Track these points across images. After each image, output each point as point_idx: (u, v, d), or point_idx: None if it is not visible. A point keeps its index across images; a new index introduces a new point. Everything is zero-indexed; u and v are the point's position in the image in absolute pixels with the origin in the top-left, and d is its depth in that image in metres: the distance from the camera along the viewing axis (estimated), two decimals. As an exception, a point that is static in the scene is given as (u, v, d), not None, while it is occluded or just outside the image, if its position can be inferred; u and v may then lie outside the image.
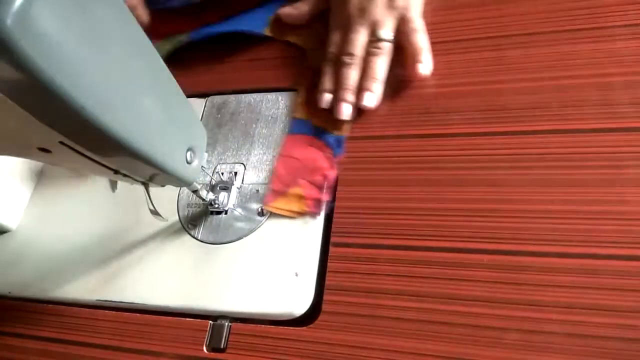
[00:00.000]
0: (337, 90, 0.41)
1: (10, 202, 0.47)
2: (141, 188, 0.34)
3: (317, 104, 0.42)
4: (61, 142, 0.25)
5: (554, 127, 0.37)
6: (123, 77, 0.25)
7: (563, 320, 0.31)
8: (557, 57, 0.39)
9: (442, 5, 0.45)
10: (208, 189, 0.40)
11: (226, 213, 0.41)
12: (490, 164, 0.37)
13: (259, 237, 0.40)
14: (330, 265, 0.37)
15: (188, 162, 0.32)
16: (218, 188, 0.41)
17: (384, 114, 0.42)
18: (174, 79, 0.30)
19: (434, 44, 0.43)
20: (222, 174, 0.43)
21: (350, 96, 0.41)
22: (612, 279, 0.32)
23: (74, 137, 0.24)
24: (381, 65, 0.40)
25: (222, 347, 0.36)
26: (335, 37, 0.43)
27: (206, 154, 0.41)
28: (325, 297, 0.36)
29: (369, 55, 0.41)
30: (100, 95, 0.23)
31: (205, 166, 0.37)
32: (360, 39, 0.41)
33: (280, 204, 0.40)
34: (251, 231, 0.40)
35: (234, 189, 0.42)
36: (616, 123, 0.36)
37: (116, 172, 0.30)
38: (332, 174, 0.39)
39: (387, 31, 0.40)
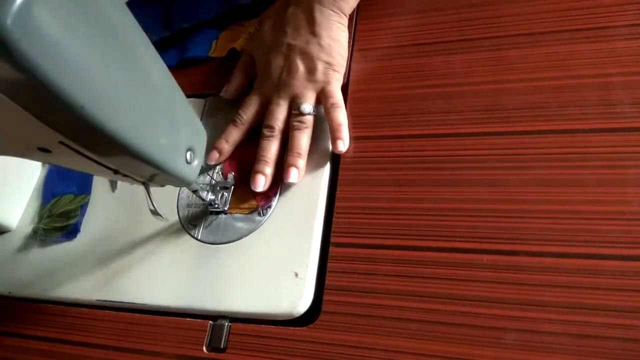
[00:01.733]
0: (256, 162, 0.41)
1: (10, 202, 0.47)
2: (141, 188, 0.34)
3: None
4: (61, 142, 0.25)
5: (554, 127, 0.37)
6: (123, 77, 0.25)
7: (563, 320, 0.31)
8: (557, 57, 0.39)
9: (442, 6, 0.45)
10: (208, 189, 0.40)
11: (226, 213, 0.41)
12: (490, 164, 0.37)
13: (259, 237, 0.40)
14: (330, 265, 0.37)
15: (188, 162, 0.32)
16: (218, 188, 0.41)
17: (384, 115, 0.42)
18: (174, 79, 0.30)
19: (434, 43, 0.43)
20: (222, 174, 0.43)
21: (267, 169, 0.40)
22: (612, 279, 0.32)
23: (74, 137, 0.24)
24: (305, 140, 0.40)
25: (222, 347, 0.36)
26: (250, 103, 0.43)
27: (219, 165, 0.42)
28: (325, 297, 0.36)
29: (292, 129, 0.41)
30: (100, 95, 0.23)
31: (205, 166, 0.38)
32: (280, 111, 0.41)
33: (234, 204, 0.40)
34: (251, 231, 0.40)
35: (234, 189, 0.42)
36: (616, 123, 0.36)
37: (116, 172, 0.30)
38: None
39: (308, 105, 0.41)
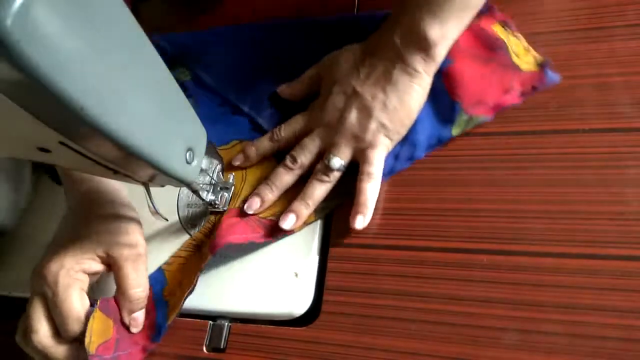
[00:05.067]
0: (263, 184, 0.40)
1: (9, 202, 0.47)
2: (141, 188, 0.34)
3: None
4: (61, 142, 0.25)
5: (553, 127, 0.37)
6: (123, 77, 0.25)
7: (563, 320, 0.31)
8: (556, 57, 0.39)
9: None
10: (208, 189, 0.40)
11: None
12: (490, 164, 0.37)
13: (259, 237, 0.40)
14: (330, 265, 0.37)
15: (188, 162, 0.32)
16: (218, 188, 0.41)
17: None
18: (174, 79, 0.30)
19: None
20: (221, 174, 0.43)
21: (269, 195, 0.39)
22: (612, 279, 0.32)
23: (74, 137, 0.24)
24: (321, 193, 0.38)
25: (222, 347, 0.36)
26: (297, 122, 0.41)
27: (219, 165, 0.41)
28: (325, 297, 0.36)
29: (314, 176, 0.39)
30: (99, 96, 0.23)
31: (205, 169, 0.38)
32: (312, 150, 0.39)
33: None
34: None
35: (233, 190, 0.42)
36: (616, 123, 0.36)
37: (116, 172, 0.30)
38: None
39: (339, 161, 0.38)
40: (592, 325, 0.31)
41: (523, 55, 0.39)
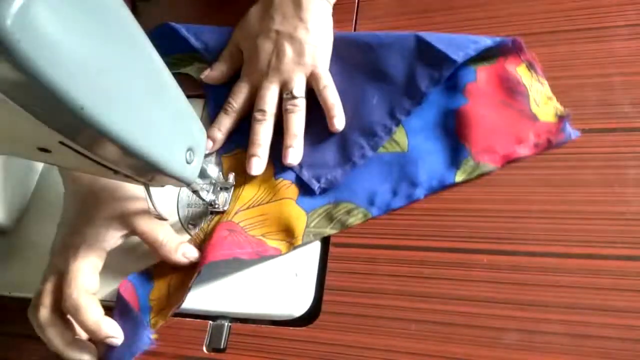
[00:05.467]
0: (249, 146, 0.41)
1: (9, 202, 0.47)
2: (141, 188, 0.34)
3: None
4: (61, 142, 0.25)
5: (554, 127, 0.37)
6: (123, 77, 0.25)
7: (563, 320, 0.31)
8: (557, 57, 0.39)
9: (442, 6, 0.45)
10: (208, 189, 0.40)
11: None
12: (490, 164, 0.37)
13: (259, 237, 0.40)
14: (330, 265, 0.37)
15: (188, 162, 0.32)
16: (218, 188, 0.41)
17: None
18: (174, 79, 0.30)
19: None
20: (222, 174, 0.43)
21: (261, 151, 0.41)
22: (613, 279, 0.32)
23: (74, 137, 0.24)
24: (300, 122, 0.41)
25: (222, 347, 0.36)
26: (239, 89, 0.44)
27: (217, 169, 0.41)
28: (325, 297, 0.36)
29: (286, 113, 0.41)
30: (99, 96, 0.23)
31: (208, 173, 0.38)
32: (271, 95, 0.42)
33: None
34: (251, 231, 0.40)
35: (233, 190, 0.42)
36: (616, 123, 0.36)
37: (116, 172, 0.30)
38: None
39: (299, 88, 0.41)
40: (592, 325, 0.31)
41: (543, 104, 0.37)
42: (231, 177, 0.42)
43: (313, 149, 0.42)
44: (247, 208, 0.41)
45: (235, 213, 0.40)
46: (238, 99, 0.44)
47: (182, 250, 0.38)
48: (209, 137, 0.43)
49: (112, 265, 0.42)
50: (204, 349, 0.37)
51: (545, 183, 0.35)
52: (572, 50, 0.39)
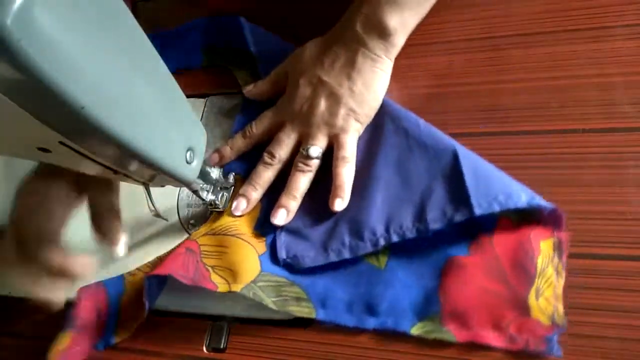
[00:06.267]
0: (246, 184, 0.40)
1: (9, 202, 0.47)
2: (141, 188, 0.34)
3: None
4: (61, 142, 0.25)
5: (554, 127, 0.37)
6: (123, 77, 0.25)
7: (564, 311, 0.31)
8: (556, 57, 0.39)
9: (442, 6, 0.45)
10: (208, 189, 0.40)
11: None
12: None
13: (259, 237, 0.40)
14: (330, 265, 0.37)
15: (188, 162, 0.32)
16: (218, 188, 0.41)
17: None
18: (174, 79, 0.30)
19: (434, 44, 0.43)
20: (221, 173, 0.43)
21: (253, 194, 0.40)
22: (612, 279, 0.32)
23: (74, 137, 0.24)
24: (304, 184, 0.39)
25: (222, 347, 0.36)
26: (266, 120, 0.42)
27: (217, 169, 0.41)
28: (325, 297, 0.36)
29: (294, 168, 0.39)
30: (100, 95, 0.23)
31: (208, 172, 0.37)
32: (288, 143, 0.40)
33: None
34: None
35: (233, 189, 0.42)
36: (616, 123, 0.36)
37: (116, 172, 0.30)
38: None
39: (316, 149, 0.39)
40: (592, 325, 0.31)
41: (544, 300, 0.31)
42: (231, 177, 0.42)
43: (303, 214, 0.39)
44: (214, 234, 0.39)
45: (204, 235, 0.39)
46: (259, 127, 0.42)
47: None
48: (218, 151, 0.43)
49: (113, 265, 0.42)
50: (204, 349, 0.37)
51: (545, 183, 0.35)
52: (572, 50, 0.39)
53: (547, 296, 0.31)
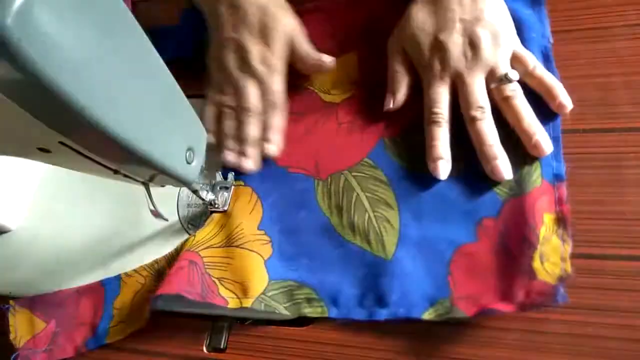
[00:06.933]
0: (482, 149, 0.36)
1: (10, 202, 0.47)
2: (141, 188, 0.34)
3: None
4: (61, 142, 0.25)
5: (554, 127, 0.37)
6: (123, 77, 0.25)
7: (563, 320, 0.31)
8: (557, 57, 0.39)
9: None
10: (208, 189, 0.40)
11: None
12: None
13: (259, 237, 0.40)
14: (330, 265, 0.37)
15: (188, 162, 0.32)
16: (218, 188, 0.41)
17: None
18: (174, 79, 0.30)
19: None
20: (222, 173, 0.43)
21: (499, 151, 0.36)
22: (613, 279, 0.32)
23: (74, 137, 0.24)
24: (529, 107, 0.37)
25: (222, 347, 0.36)
26: (438, 95, 0.38)
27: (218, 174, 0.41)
28: (325, 297, 0.36)
29: (507, 100, 0.37)
30: (100, 96, 0.23)
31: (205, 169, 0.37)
32: (480, 88, 0.37)
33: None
34: (251, 231, 0.40)
35: (235, 179, 0.42)
36: (616, 123, 0.36)
37: (116, 172, 0.30)
38: None
39: (513, 72, 0.37)
40: (592, 325, 0.31)
41: (551, 263, 0.32)
42: (231, 177, 0.42)
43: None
44: (217, 247, 0.39)
45: (206, 248, 0.39)
46: (444, 105, 0.38)
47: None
48: (435, 159, 0.37)
49: (113, 265, 0.42)
50: (204, 349, 0.37)
51: (545, 183, 0.35)
52: (572, 50, 0.39)
53: (553, 261, 0.32)
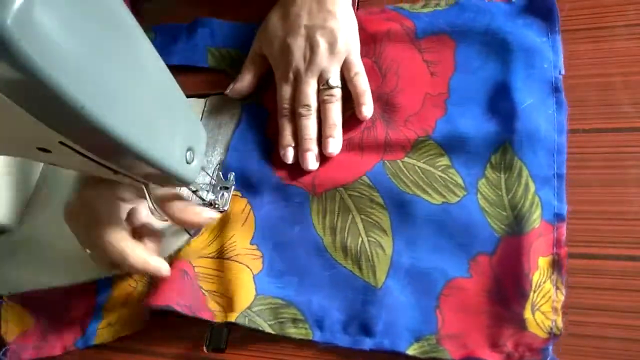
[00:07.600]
0: (300, 142, 0.41)
1: (10, 202, 0.47)
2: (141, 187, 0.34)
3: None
4: (61, 142, 0.25)
5: (554, 127, 0.37)
6: (123, 77, 0.25)
7: (564, 320, 0.31)
8: (557, 57, 0.39)
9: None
10: (208, 189, 0.40)
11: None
12: (490, 164, 0.37)
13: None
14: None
15: (187, 162, 0.32)
16: (218, 188, 0.41)
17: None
18: (174, 79, 0.30)
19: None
20: (222, 173, 0.43)
21: (313, 146, 0.41)
22: (613, 279, 0.32)
23: (74, 137, 0.24)
24: (337, 111, 0.42)
25: (222, 347, 0.36)
26: (284, 92, 0.43)
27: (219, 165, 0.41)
28: (325, 297, 0.36)
29: (323, 103, 0.42)
30: (100, 95, 0.23)
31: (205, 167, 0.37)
32: (311, 89, 0.42)
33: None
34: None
35: (234, 189, 0.42)
36: (616, 123, 0.36)
37: (116, 172, 0.30)
38: None
39: (334, 78, 0.42)
40: (592, 325, 0.31)
41: (541, 315, 0.31)
42: (231, 177, 0.42)
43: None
44: (210, 257, 0.39)
45: (199, 257, 0.39)
46: (288, 102, 0.43)
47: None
48: (284, 146, 0.42)
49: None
50: (204, 349, 0.37)
51: (545, 183, 0.35)
52: (572, 50, 0.39)
53: (544, 310, 0.31)
